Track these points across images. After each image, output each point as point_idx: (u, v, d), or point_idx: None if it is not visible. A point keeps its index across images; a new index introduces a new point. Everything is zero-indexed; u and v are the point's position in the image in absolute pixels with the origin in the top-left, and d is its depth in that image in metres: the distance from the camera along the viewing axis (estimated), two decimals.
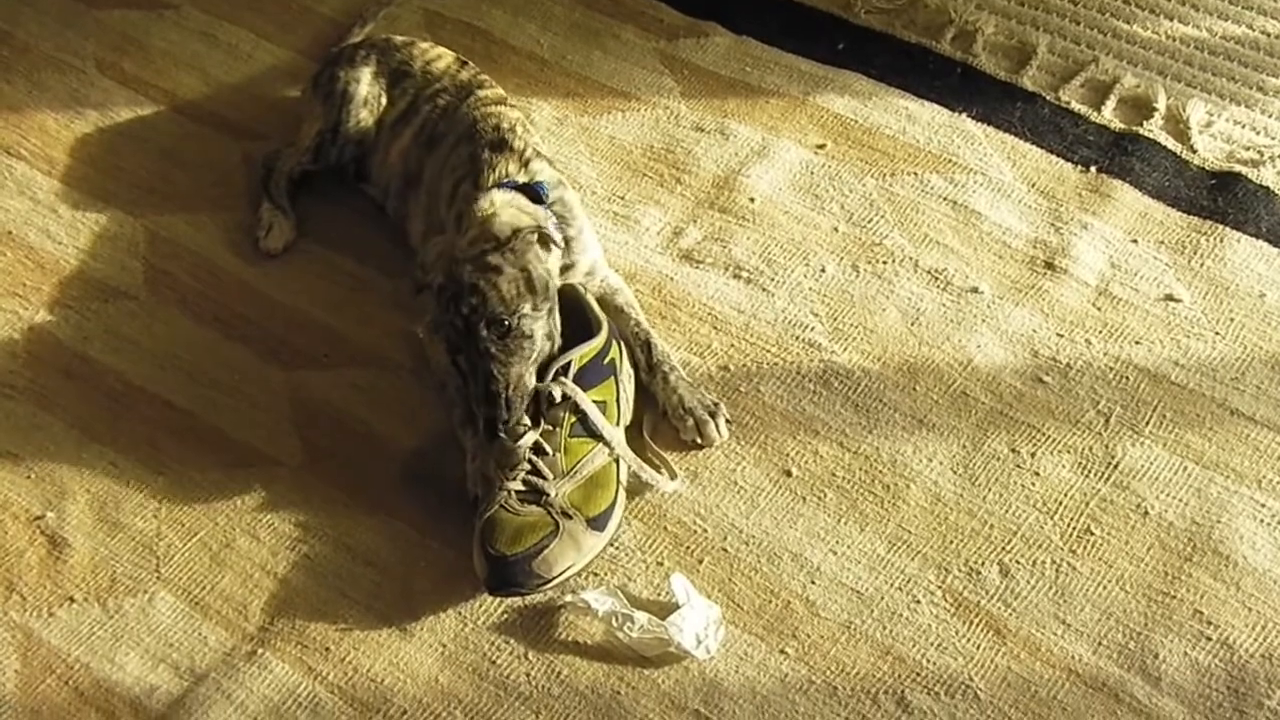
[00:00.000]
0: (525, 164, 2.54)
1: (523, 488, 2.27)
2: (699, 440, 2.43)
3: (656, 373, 2.47)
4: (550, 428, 2.30)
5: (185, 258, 2.81)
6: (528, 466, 2.28)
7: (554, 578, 2.23)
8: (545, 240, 2.35)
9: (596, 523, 2.28)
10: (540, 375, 2.31)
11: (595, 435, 2.32)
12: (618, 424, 2.38)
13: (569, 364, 2.32)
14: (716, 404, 2.45)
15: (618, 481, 2.34)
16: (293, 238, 2.80)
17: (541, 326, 2.31)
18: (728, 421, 2.44)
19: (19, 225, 2.88)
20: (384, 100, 2.83)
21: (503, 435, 2.26)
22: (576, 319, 2.39)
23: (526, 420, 2.29)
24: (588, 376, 2.33)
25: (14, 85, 3.20)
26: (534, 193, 2.48)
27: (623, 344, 2.48)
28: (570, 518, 2.26)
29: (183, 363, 2.63)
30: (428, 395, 2.52)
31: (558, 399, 2.30)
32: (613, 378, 2.39)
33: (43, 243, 2.85)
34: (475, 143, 2.59)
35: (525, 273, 2.30)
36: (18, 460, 2.49)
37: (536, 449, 2.29)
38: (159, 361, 2.63)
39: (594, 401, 2.32)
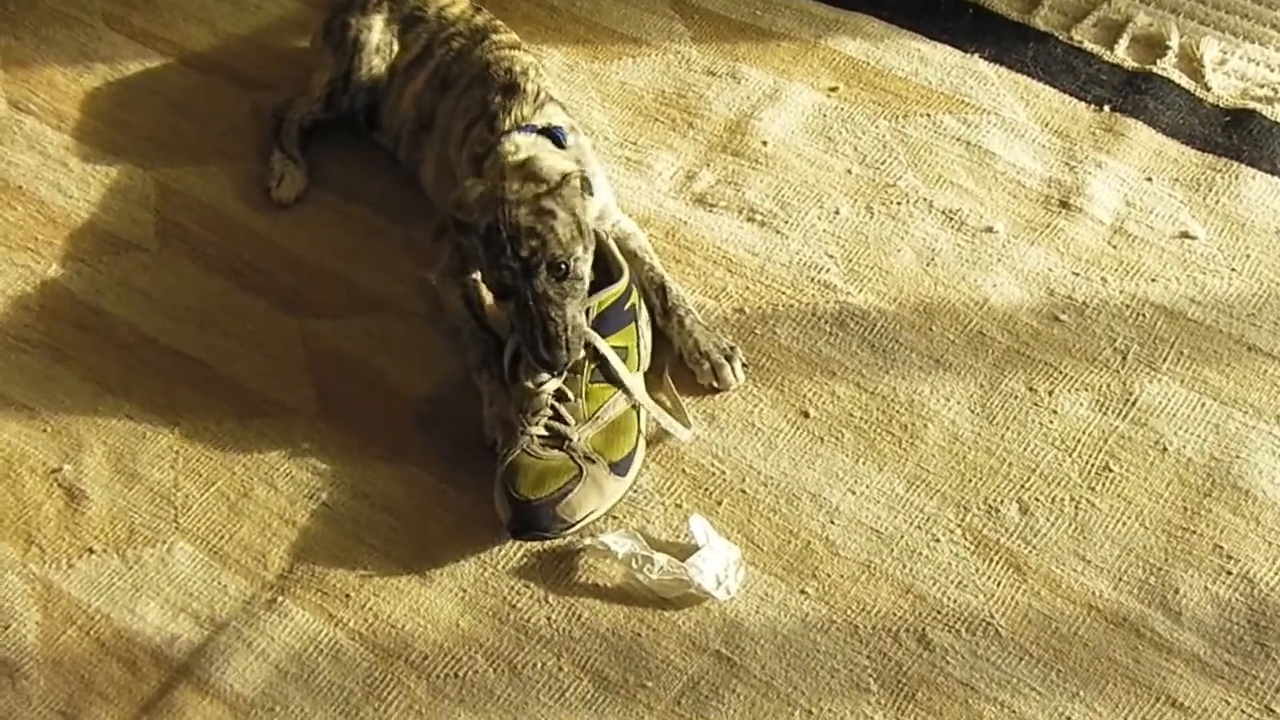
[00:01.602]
0: (540, 107, 2.53)
1: (545, 433, 2.27)
2: (715, 384, 2.42)
3: (672, 317, 2.46)
4: (572, 374, 2.29)
5: (196, 209, 2.80)
6: (550, 412, 2.27)
7: (577, 522, 2.23)
8: (587, 185, 2.34)
9: (619, 467, 2.27)
10: None
11: (615, 382, 2.31)
12: (637, 370, 2.37)
13: (590, 309, 2.31)
14: (733, 347, 2.44)
15: (638, 427, 2.33)
16: (304, 187, 2.80)
17: (587, 270, 2.31)
18: (744, 365, 2.44)
19: (29, 180, 2.88)
20: (396, 47, 2.82)
21: (559, 375, 2.27)
22: (597, 264, 2.38)
23: None
24: (609, 322, 2.33)
25: (22, 40, 3.19)
26: (554, 137, 2.47)
27: (640, 289, 2.47)
28: (593, 462, 2.25)
29: (195, 314, 2.62)
30: (441, 342, 2.52)
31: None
32: (633, 323, 2.38)
33: (53, 197, 2.84)
34: (488, 86, 2.58)
35: (575, 217, 2.30)
36: (33, 413, 2.49)
37: (558, 395, 2.29)
38: (172, 313, 2.63)
39: (614, 347, 2.32)
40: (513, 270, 2.26)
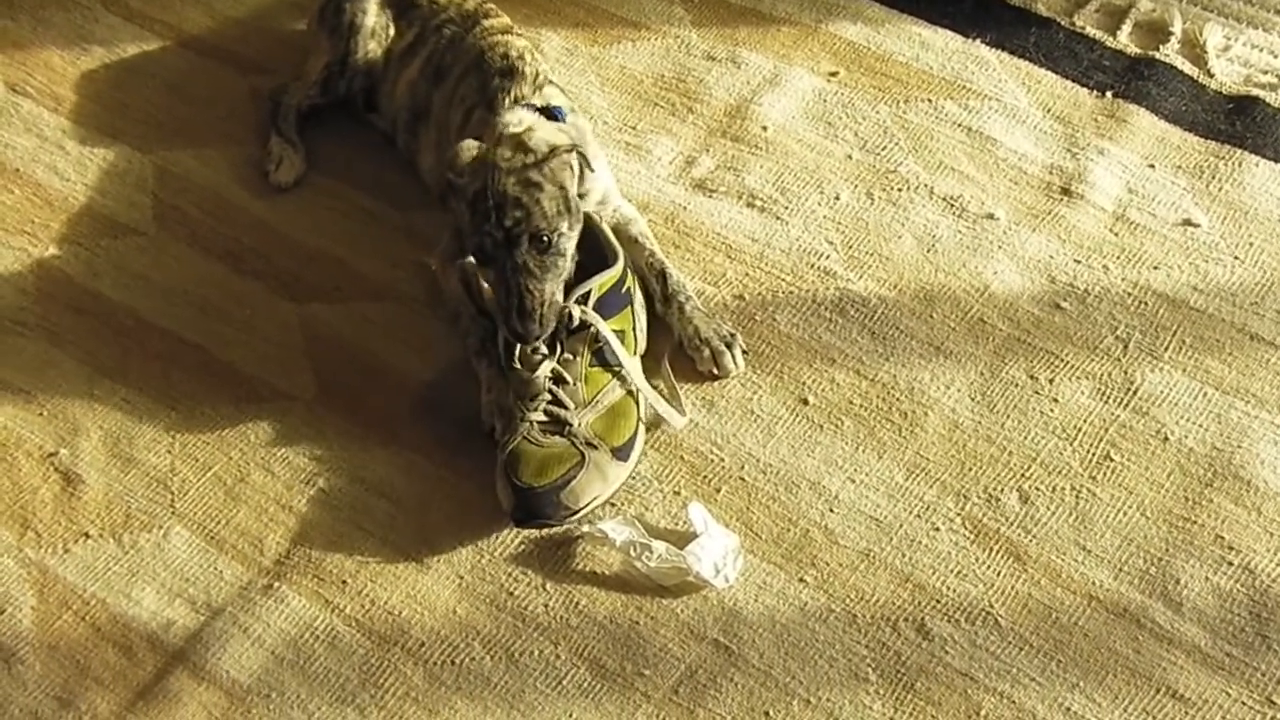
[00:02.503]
0: (539, 88, 2.52)
1: (544, 418, 2.26)
2: (715, 371, 2.41)
3: (672, 303, 2.45)
4: (570, 356, 2.28)
5: (194, 192, 2.79)
6: (548, 397, 2.26)
7: (581, 509, 2.22)
8: (585, 161, 2.33)
9: (620, 452, 2.27)
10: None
11: (612, 366, 2.30)
12: (634, 354, 2.36)
13: (589, 292, 2.30)
14: (733, 334, 2.43)
15: (638, 413, 2.33)
16: (303, 171, 2.79)
17: (571, 248, 2.30)
18: (744, 351, 2.42)
19: (26, 162, 2.87)
20: (392, 30, 2.80)
21: (530, 348, 2.26)
22: (591, 248, 2.37)
23: (544, 348, 2.27)
24: (606, 306, 2.31)
25: (19, 22, 3.17)
26: (554, 116, 2.46)
27: (636, 274, 2.46)
28: (595, 448, 2.25)
29: (193, 298, 2.61)
30: (440, 327, 2.51)
31: (577, 324, 2.28)
32: (629, 307, 2.37)
33: (50, 180, 2.83)
34: (485, 72, 2.56)
35: (563, 191, 2.29)
36: (30, 397, 2.48)
37: (556, 378, 2.28)
38: (169, 297, 2.61)
39: (612, 331, 2.30)
40: (494, 239, 2.25)
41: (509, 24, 2.75)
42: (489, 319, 2.40)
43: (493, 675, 2.11)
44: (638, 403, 2.33)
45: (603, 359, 2.30)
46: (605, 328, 2.29)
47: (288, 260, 2.66)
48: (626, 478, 2.28)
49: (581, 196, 2.38)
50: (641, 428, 2.32)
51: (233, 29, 3.11)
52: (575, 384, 2.28)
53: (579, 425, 2.26)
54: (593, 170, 2.36)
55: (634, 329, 2.37)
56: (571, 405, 2.27)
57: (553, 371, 2.28)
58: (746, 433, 2.34)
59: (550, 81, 2.56)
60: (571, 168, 2.31)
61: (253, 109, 2.93)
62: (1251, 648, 2.07)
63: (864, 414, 2.36)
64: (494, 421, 2.32)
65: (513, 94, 2.49)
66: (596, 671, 2.10)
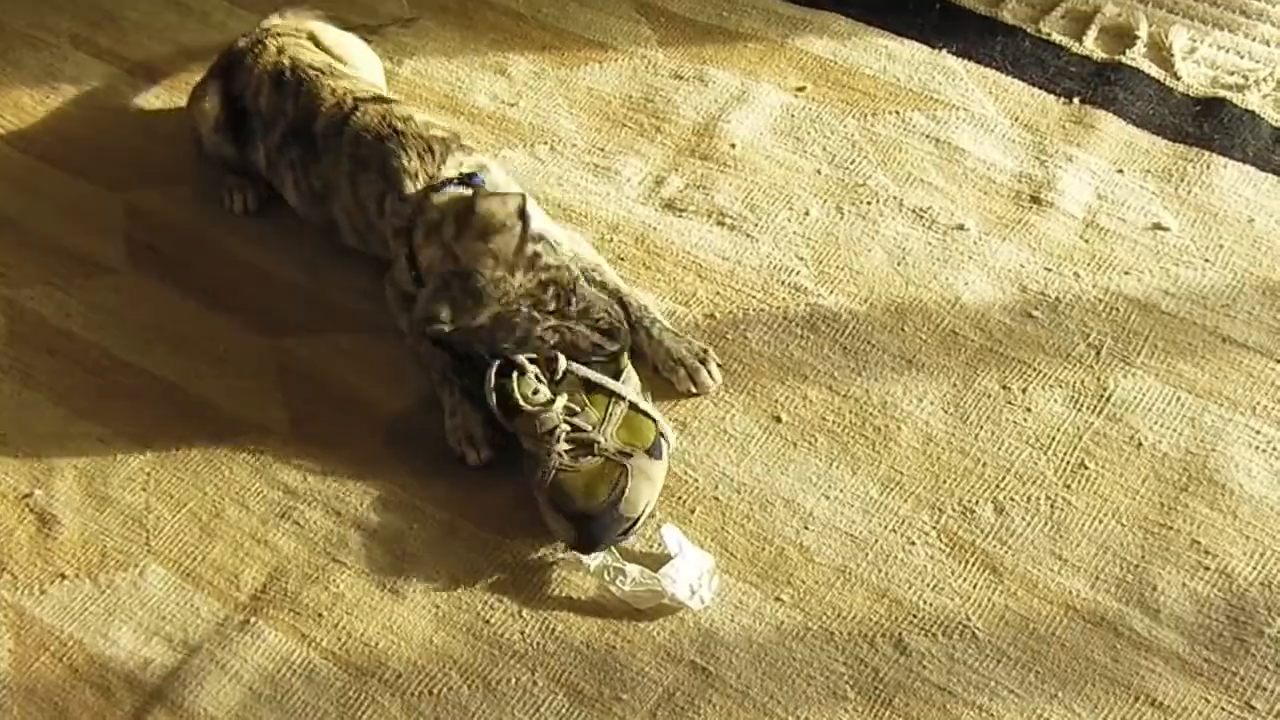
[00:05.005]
0: (442, 159, 2.49)
1: (569, 446, 2.25)
2: (693, 389, 2.41)
3: (639, 329, 2.44)
4: (567, 394, 2.29)
5: (165, 230, 2.79)
6: (566, 428, 2.26)
7: (639, 516, 2.22)
8: (525, 216, 2.31)
9: (654, 451, 2.27)
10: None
11: (607, 389, 2.31)
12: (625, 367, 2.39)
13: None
14: (705, 350, 2.43)
15: (651, 413, 2.32)
16: (256, 200, 2.80)
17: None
18: (718, 365, 2.42)
19: None
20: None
21: (532, 389, 2.29)
22: None
23: (546, 391, 2.28)
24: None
25: None
26: (473, 184, 2.44)
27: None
28: (630, 454, 2.24)
29: (167, 335, 2.61)
30: (413, 357, 2.50)
31: (562, 374, 2.29)
32: None
33: (22, 220, 2.83)
34: (371, 161, 2.53)
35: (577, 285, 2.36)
36: (4, 439, 2.48)
37: (568, 411, 2.28)
38: (143, 334, 2.61)
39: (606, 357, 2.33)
40: (551, 326, 2.31)
41: (349, 91, 2.66)
42: (446, 348, 2.40)
43: (470, 704, 2.10)
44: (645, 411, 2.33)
45: (596, 388, 2.31)
46: (586, 370, 2.30)
47: (260, 294, 2.66)
48: (666, 475, 2.28)
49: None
50: (664, 423, 2.31)
51: (201, 65, 3.08)
52: (585, 409, 2.28)
53: (606, 440, 2.26)
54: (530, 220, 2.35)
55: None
56: (590, 426, 2.27)
57: (564, 407, 2.28)
58: (720, 452, 2.34)
59: (439, 140, 2.52)
60: (522, 237, 2.31)
61: None
62: (1230, 653, 2.06)
63: (837, 430, 2.35)
64: (461, 448, 2.34)
65: (417, 178, 2.46)
66: (574, 697, 2.10)
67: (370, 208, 2.53)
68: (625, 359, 2.38)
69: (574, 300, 2.31)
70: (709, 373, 2.41)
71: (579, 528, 2.20)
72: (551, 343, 2.30)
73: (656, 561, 2.18)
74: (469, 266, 2.29)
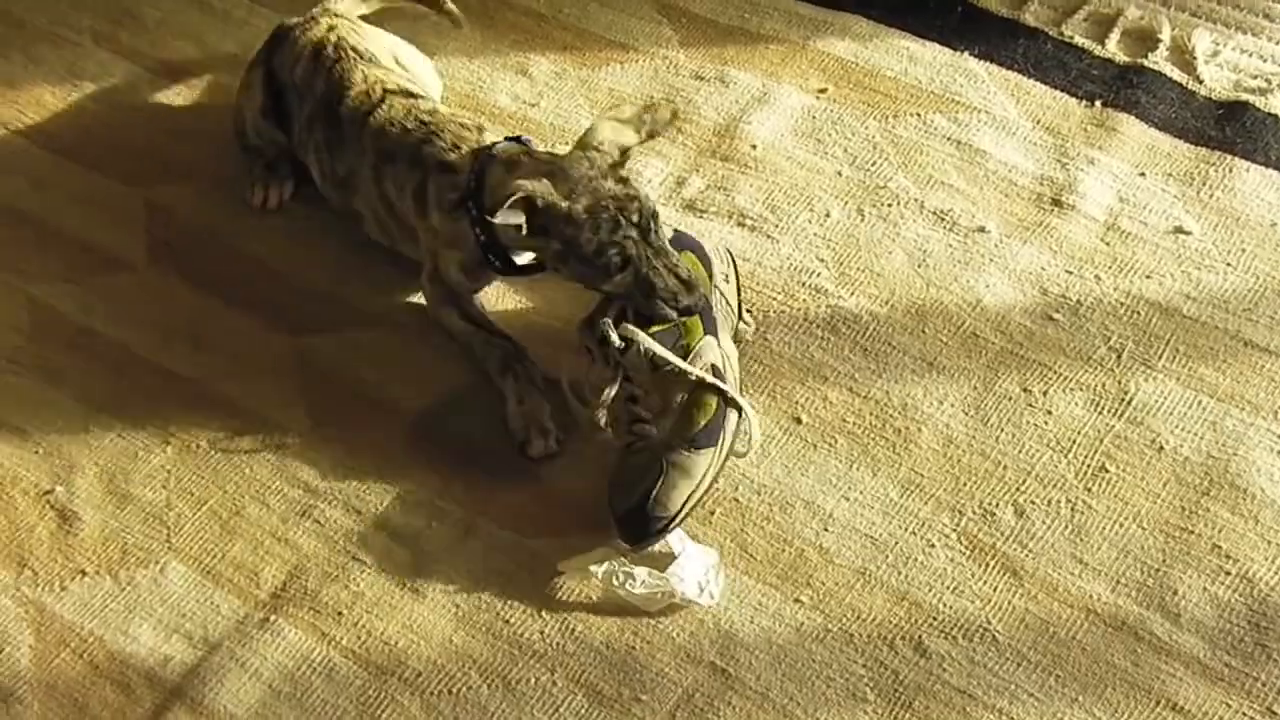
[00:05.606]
0: (480, 131, 2.50)
1: (632, 437, 2.27)
2: None
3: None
4: (630, 375, 2.28)
5: (186, 227, 2.79)
6: (628, 416, 2.28)
7: (677, 513, 2.20)
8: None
9: (699, 440, 2.24)
10: (592, 326, 2.31)
11: (668, 365, 2.28)
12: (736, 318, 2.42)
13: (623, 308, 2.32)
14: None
15: (715, 401, 2.28)
16: (282, 195, 2.80)
17: None
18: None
19: (18, 199, 2.87)
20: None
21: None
22: None
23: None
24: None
25: (10, 60, 3.18)
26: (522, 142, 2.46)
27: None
28: (671, 448, 2.23)
29: (187, 332, 2.61)
30: (434, 355, 2.51)
31: (621, 344, 2.26)
32: None
33: (43, 216, 2.83)
34: (412, 155, 2.51)
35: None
36: (25, 435, 2.48)
37: (630, 397, 2.28)
38: (163, 331, 2.61)
39: (660, 331, 2.29)
40: (632, 238, 2.26)
41: (379, 80, 2.65)
42: (505, 337, 2.44)
43: (490, 704, 2.10)
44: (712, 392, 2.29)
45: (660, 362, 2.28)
46: (647, 338, 2.26)
47: (280, 291, 2.66)
48: (722, 463, 2.26)
49: None
50: (726, 409, 2.28)
51: (223, 62, 3.11)
52: (648, 395, 2.28)
53: (658, 432, 2.26)
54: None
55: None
56: (651, 415, 2.27)
57: (628, 394, 2.28)
58: None
59: (467, 127, 2.52)
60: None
61: None
62: (1251, 658, 2.06)
63: (857, 431, 2.35)
64: (524, 434, 2.35)
65: (461, 150, 2.46)
66: (593, 697, 2.10)
67: (394, 200, 2.53)
68: (701, 331, 2.34)
69: (655, 228, 2.28)
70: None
71: (619, 526, 2.21)
72: (625, 193, 2.28)
73: (662, 562, 2.18)
74: (567, 164, 2.31)
